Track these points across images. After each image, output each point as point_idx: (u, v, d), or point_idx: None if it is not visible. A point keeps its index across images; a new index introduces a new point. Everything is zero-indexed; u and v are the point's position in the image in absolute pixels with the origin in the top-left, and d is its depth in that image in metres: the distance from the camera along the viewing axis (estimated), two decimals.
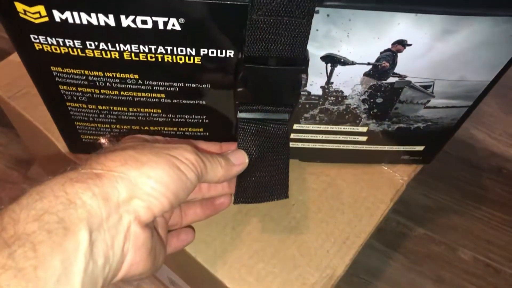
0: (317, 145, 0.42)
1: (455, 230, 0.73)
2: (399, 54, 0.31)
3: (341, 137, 0.40)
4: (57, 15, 0.28)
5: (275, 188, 0.36)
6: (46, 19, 0.28)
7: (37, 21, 0.28)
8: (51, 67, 0.32)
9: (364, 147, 0.41)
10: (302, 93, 0.34)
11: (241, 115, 0.35)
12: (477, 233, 0.73)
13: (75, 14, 0.28)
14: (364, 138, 0.40)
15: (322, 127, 0.39)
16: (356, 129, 0.39)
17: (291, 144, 0.42)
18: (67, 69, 0.32)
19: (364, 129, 0.39)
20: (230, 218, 0.41)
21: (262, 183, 0.36)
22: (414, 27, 0.29)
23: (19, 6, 0.28)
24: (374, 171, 0.45)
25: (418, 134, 0.40)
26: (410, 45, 0.30)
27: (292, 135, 0.40)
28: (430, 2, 0.27)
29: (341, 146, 0.41)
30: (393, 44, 0.30)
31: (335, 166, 0.45)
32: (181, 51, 0.31)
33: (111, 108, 0.36)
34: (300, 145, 0.42)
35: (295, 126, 0.39)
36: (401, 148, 0.42)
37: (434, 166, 0.79)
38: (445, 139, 0.42)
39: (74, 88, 0.34)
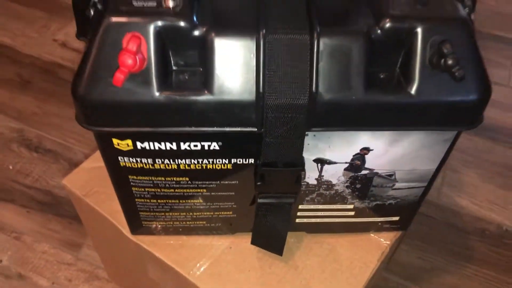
0: (318, 220, 0.55)
1: None
2: (366, 156, 0.45)
3: (335, 213, 0.53)
4: (139, 144, 0.43)
5: (275, 245, 0.53)
6: (131, 147, 0.43)
7: (125, 149, 0.44)
8: (129, 176, 0.47)
9: (353, 219, 0.55)
10: (302, 183, 0.49)
11: (260, 200, 0.49)
12: None
13: (151, 143, 0.43)
14: (352, 213, 0.54)
15: (320, 206, 0.52)
16: (345, 206, 0.52)
17: (299, 220, 0.55)
18: (140, 177, 0.47)
19: (351, 206, 0.52)
20: (255, 282, 0.53)
21: (269, 240, 0.52)
22: (373, 139, 0.43)
23: (115, 141, 0.43)
24: (364, 238, 0.57)
25: (392, 208, 0.53)
26: (372, 150, 0.44)
27: (298, 213, 0.54)
28: (379, 124, 0.42)
29: (336, 220, 0.55)
30: (361, 149, 0.45)
31: (334, 236, 0.58)
32: (219, 161, 0.45)
33: (167, 201, 0.50)
34: (305, 220, 0.55)
35: (300, 207, 0.53)
36: (381, 219, 0.55)
37: (426, 232, 0.92)
38: (414, 211, 0.55)
39: (142, 189, 0.49)
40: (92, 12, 0.40)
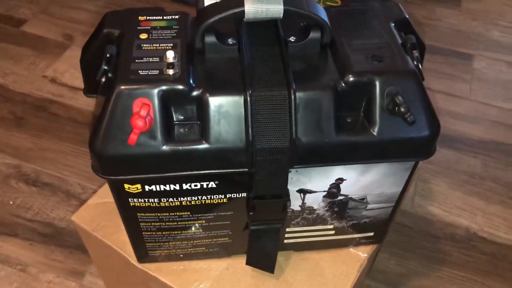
0: (304, 239, 0.62)
1: None
2: (341, 184, 0.53)
3: (317, 233, 0.61)
4: (147, 188, 0.50)
5: (267, 264, 0.60)
6: (140, 190, 0.50)
7: (134, 192, 0.51)
8: (137, 214, 0.54)
9: (334, 237, 0.62)
10: (288, 210, 0.56)
11: (252, 227, 0.57)
12: None
13: (157, 186, 0.50)
14: (332, 232, 0.61)
15: (304, 228, 0.60)
16: (326, 227, 0.60)
17: (287, 241, 0.63)
18: (147, 214, 0.54)
19: (331, 226, 0.60)
20: None
21: (261, 260, 0.59)
22: (345, 171, 0.51)
23: (126, 185, 0.50)
24: (344, 252, 0.65)
25: (366, 226, 0.61)
26: (345, 179, 0.52)
27: (286, 235, 0.61)
28: (349, 160, 0.50)
29: (319, 239, 0.62)
30: (336, 180, 0.52)
31: (318, 252, 0.65)
32: (215, 197, 0.53)
33: (171, 232, 0.57)
34: (292, 240, 0.63)
35: (287, 229, 0.60)
36: (358, 235, 0.63)
37: (403, 240, 1.00)
38: (386, 226, 0.63)
39: (149, 224, 0.56)
40: (103, 79, 0.47)
